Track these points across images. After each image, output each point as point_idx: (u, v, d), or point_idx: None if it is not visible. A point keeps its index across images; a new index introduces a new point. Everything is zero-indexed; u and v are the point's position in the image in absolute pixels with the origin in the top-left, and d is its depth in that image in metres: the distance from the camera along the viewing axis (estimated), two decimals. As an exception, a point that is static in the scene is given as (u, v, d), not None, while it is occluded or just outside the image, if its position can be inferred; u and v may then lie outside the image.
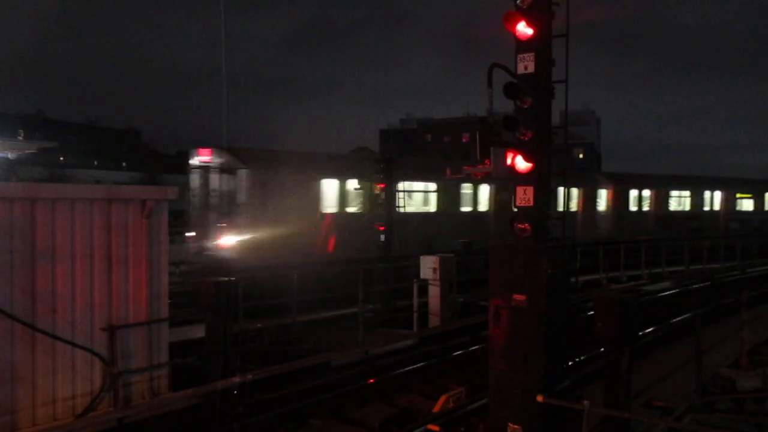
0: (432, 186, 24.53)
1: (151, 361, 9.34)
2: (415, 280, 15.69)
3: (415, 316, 15.48)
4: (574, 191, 30.02)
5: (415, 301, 15.45)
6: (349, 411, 10.71)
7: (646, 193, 33.86)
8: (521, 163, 7.54)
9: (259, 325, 14.83)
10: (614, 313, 7.63)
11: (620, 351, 7.73)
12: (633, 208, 33.49)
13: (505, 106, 7.73)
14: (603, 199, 32.07)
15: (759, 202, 40.40)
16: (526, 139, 7.48)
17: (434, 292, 15.87)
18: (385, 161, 21.57)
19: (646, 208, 33.85)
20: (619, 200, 32.66)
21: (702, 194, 36.65)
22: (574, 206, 29.93)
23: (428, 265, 16.02)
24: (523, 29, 7.46)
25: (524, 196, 7.60)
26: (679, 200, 35.70)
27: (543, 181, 7.62)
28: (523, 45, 7.54)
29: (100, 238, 8.79)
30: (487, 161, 7.55)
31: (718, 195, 37.53)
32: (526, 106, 7.50)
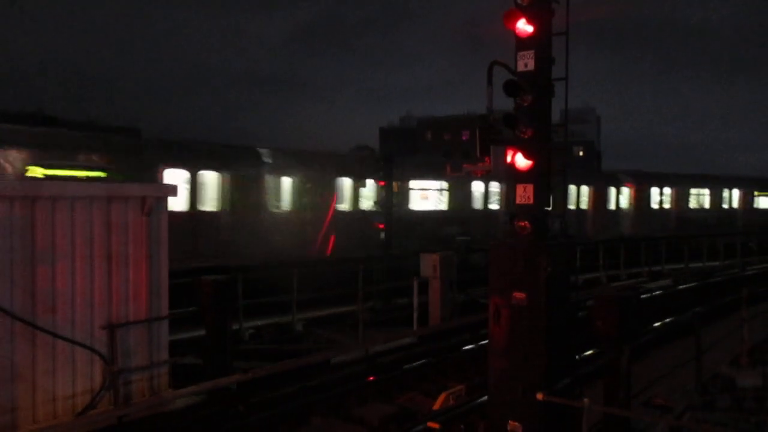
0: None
1: (151, 359, 9.34)
2: (415, 278, 15.69)
3: (415, 314, 15.48)
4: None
5: (416, 299, 15.45)
6: (349, 409, 10.72)
7: (371, 185, 22.69)
8: (521, 161, 7.53)
9: (258, 323, 14.87)
10: (614, 311, 7.63)
11: (620, 349, 7.74)
12: (342, 206, 21.73)
13: (506, 104, 7.73)
14: (281, 192, 20.18)
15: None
16: (526, 136, 7.48)
17: (434, 290, 15.88)
18: (386, 160, 21.66)
19: (367, 206, 22.20)
20: (326, 196, 21.31)
21: (468, 189, 25.41)
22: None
23: (428, 263, 16.04)
24: (523, 27, 7.46)
25: (524, 194, 7.60)
26: (434, 196, 24.61)
27: (543, 179, 7.61)
28: (523, 43, 7.53)
29: (100, 237, 8.78)
30: (487, 159, 7.55)
31: (495, 188, 26.22)
32: (526, 104, 7.49)
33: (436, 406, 10.56)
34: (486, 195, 26.35)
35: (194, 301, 10.81)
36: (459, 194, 25.10)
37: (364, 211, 21.92)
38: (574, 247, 18.56)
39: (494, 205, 26.48)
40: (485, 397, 8.87)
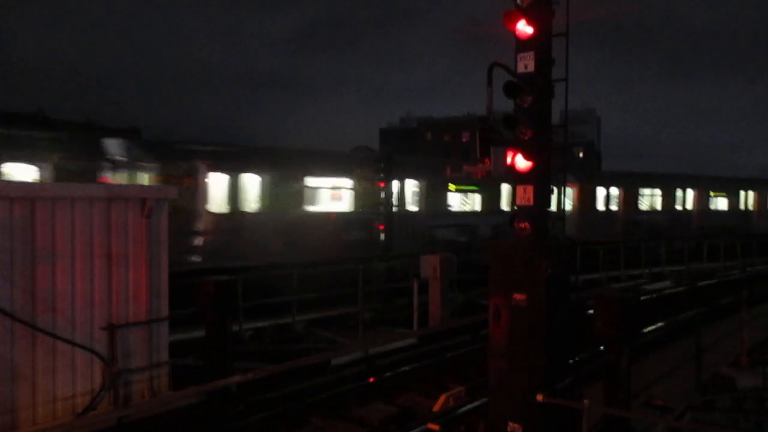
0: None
1: (151, 360, 9.34)
2: (415, 279, 15.69)
3: (416, 315, 15.48)
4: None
5: (416, 300, 15.45)
6: (349, 410, 10.73)
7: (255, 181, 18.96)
8: (521, 162, 7.53)
9: (259, 324, 14.86)
10: (614, 311, 7.63)
11: (620, 350, 7.74)
12: (220, 209, 18.42)
13: (506, 104, 7.73)
14: None
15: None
16: (526, 138, 7.48)
17: (434, 290, 15.88)
18: (386, 159, 21.53)
19: (254, 208, 18.63)
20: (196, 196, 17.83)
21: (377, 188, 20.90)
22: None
23: (429, 264, 16.04)
24: (523, 28, 7.45)
25: (524, 195, 7.60)
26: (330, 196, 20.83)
27: (543, 180, 7.61)
28: (523, 44, 7.52)
29: (100, 237, 8.79)
30: (487, 160, 7.55)
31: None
32: (526, 105, 7.49)
33: (436, 407, 10.56)
34: (402, 194, 22.00)
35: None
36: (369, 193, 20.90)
37: (246, 213, 18.25)
38: (574, 248, 18.52)
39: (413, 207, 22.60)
40: (485, 398, 8.87)
